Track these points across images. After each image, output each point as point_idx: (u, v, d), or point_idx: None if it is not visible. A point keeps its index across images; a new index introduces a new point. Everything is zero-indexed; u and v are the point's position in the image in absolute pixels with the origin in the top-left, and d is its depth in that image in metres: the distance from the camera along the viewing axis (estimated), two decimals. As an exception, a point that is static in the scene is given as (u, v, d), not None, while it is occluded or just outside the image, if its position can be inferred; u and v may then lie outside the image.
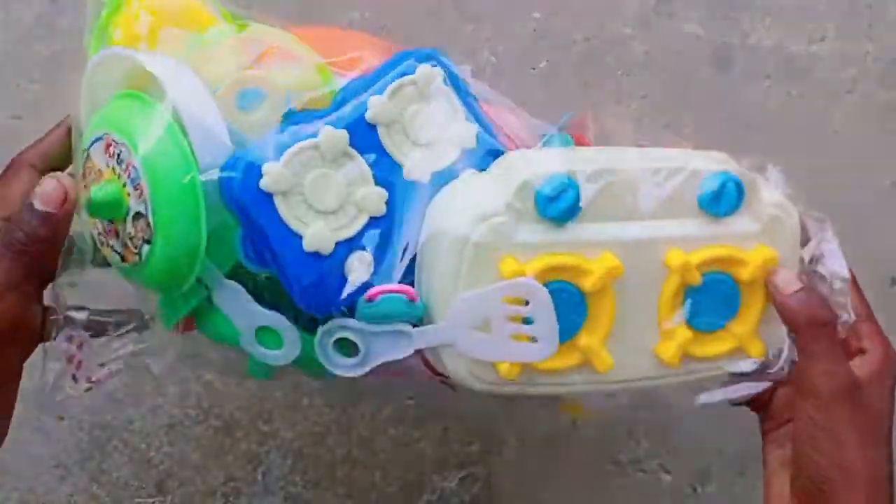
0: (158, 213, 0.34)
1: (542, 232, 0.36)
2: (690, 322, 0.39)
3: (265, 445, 0.64)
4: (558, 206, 0.36)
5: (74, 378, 0.41)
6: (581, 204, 0.36)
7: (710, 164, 0.39)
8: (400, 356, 0.37)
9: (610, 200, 0.37)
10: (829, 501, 0.38)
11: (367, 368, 0.37)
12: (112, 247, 0.36)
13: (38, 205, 0.36)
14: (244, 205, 0.35)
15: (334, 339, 0.37)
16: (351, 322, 0.37)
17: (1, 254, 0.36)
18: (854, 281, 0.41)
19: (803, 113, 0.62)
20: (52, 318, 0.39)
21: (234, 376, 0.62)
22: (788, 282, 0.38)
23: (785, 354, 0.40)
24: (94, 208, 0.35)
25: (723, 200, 0.38)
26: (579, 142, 0.42)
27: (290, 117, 0.36)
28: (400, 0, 0.60)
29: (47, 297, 0.40)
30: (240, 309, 0.37)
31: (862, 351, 0.40)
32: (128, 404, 0.63)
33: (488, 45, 0.60)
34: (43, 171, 0.39)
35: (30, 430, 0.63)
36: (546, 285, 0.36)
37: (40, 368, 0.41)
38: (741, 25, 0.61)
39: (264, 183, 0.34)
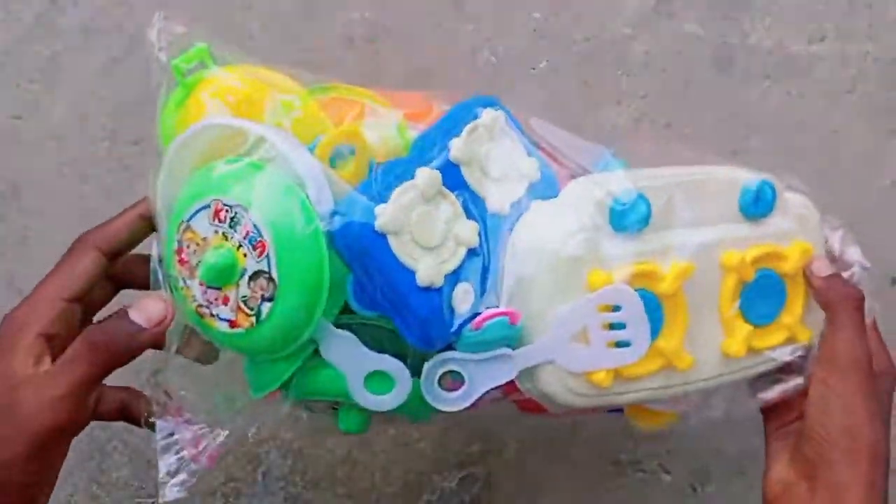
0: (283, 266, 0.35)
1: (621, 244, 0.40)
2: (748, 317, 0.42)
3: (265, 446, 0.64)
4: (631, 218, 0.40)
5: (195, 459, 0.42)
6: (651, 215, 0.40)
7: (742, 174, 0.43)
8: (503, 380, 0.39)
9: (672, 212, 0.41)
10: (833, 466, 0.40)
11: (473, 399, 0.39)
12: (218, 315, 0.37)
13: (139, 320, 0.36)
14: (363, 246, 0.37)
15: (440, 373, 0.39)
16: (455, 354, 0.39)
17: (82, 355, 0.36)
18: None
19: (803, 113, 0.62)
20: (155, 406, 0.40)
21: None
22: (822, 268, 0.43)
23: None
24: (209, 274, 0.35)
25: (761, 203, 0.43)
26: None
27: (386, 167, 0.38)
28: (400, 0, 0.60)
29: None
30: (351, 357, 0.38)
31: None
32: (128, 404, 0.63)
33: (488, 45, 0.60)
34: (108, 254, 0.40)
35: (30, 430, 0.63)
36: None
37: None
38: (741, 25, 0.61)
39: (379, 224, 0.37)
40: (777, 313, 0.43)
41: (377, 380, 0.38)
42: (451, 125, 0.40)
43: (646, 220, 0.40)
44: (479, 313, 0.38)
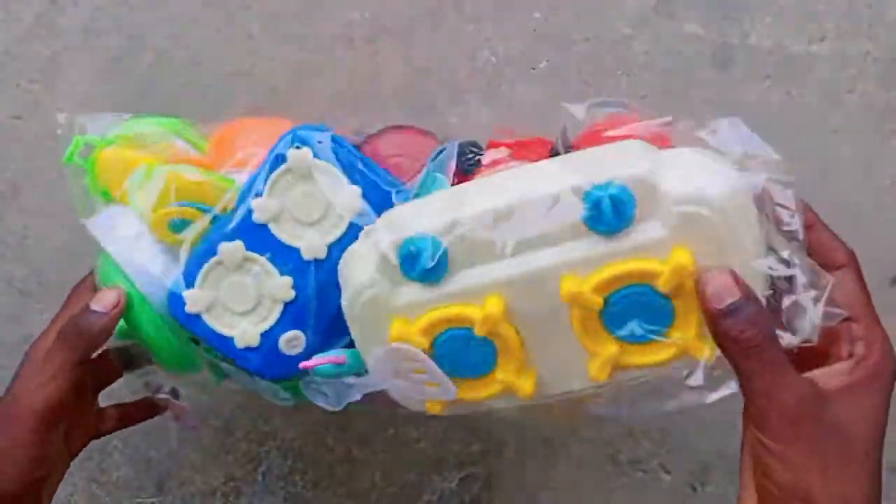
0: (144, 334, 0.44)
1: (420, 291, 0.38)
2: (618, 335, 0.37)
3: (265, 445, 0.64)
4: (419, 266, 0.37)
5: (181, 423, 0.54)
6: (447, 257, 0.37)
7: (599, 174, 0.35)
8: (354, 398, 0.42)
9: (482, 245, 0.36)
10: None
11: (342, 406, 0.42)
12: None
13: (98, 308, 0.42)
14: (184, 324, 0.43)
15: (312, 387, 0.44)
16: (317, 378, 0.43)
17: (59, 345, 0.42)
18: (858, 273, 0.37)
19: (803, 113, 0.62)
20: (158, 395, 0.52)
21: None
22: (718, 294, 0.34)
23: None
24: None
25: (604, 218, 0.35)
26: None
27: (205, 236, 0.43)
28: (400, 0, 0.60)
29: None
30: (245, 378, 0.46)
31: (850, 355, 0.35)
32: (128, 404, 0.63)
33: (488, 45, 0.60)
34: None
35: (30, 430, 0.63)
36: (441, 335, 0.38)
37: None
38: (741, 25, 0.61)
39: (189, 308, 0.42)
40: (663, 329, 0.37)
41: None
42: (259, 176, 0.42)
43: (438, 268, 0.37)
44: (312, 353, 0.42)
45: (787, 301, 0.36)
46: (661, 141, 0.39)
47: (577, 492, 0.65)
